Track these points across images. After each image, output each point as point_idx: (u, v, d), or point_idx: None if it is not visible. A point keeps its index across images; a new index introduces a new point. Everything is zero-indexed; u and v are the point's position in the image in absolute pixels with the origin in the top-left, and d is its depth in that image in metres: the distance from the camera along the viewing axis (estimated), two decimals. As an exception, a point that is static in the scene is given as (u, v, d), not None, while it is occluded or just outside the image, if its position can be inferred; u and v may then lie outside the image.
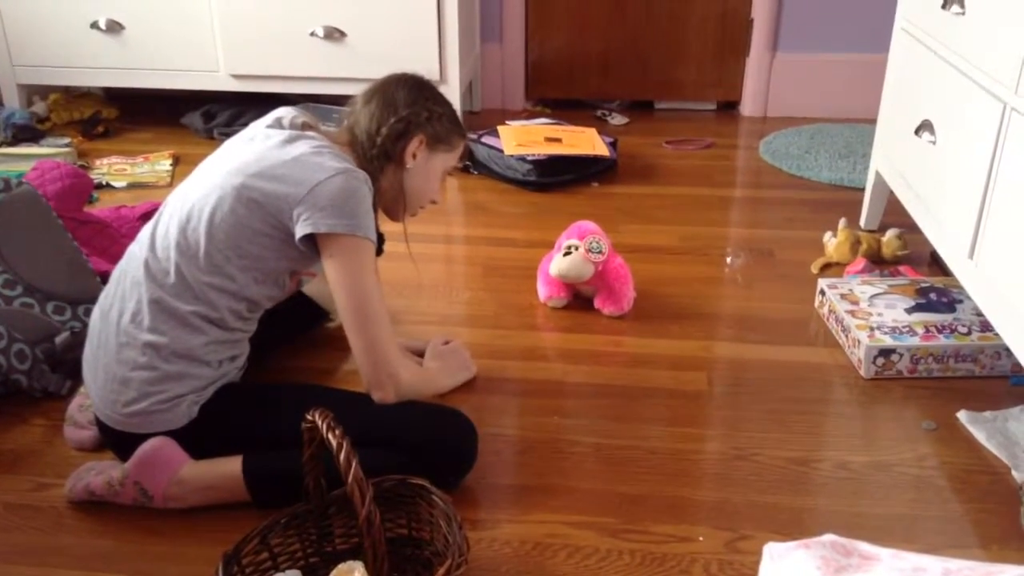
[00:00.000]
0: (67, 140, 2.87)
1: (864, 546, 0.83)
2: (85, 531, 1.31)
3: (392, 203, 1.51)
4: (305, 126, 1.45)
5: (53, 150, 2.70)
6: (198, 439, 1.34)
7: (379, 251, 1.46)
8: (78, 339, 1.64)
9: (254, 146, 1.39)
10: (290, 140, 1.38)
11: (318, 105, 2.94)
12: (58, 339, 1.63)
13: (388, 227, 1.56)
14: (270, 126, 1.44)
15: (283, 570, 1.15)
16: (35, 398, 1.60)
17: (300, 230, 1.32)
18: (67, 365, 1.64)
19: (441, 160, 1.51)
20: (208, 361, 1.34)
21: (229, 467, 1.31)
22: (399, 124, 1.43)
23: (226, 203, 1.33)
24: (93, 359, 1.37)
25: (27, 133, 2.86)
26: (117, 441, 1.37)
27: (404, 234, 1.59)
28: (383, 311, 1.39)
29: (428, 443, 1.33)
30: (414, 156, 1.46)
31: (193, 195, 1.36)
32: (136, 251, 1.38)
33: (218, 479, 1.31)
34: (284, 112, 1.47)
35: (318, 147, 1.38)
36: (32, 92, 3.09)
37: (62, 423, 1.53)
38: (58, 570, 1.24)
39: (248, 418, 1.37)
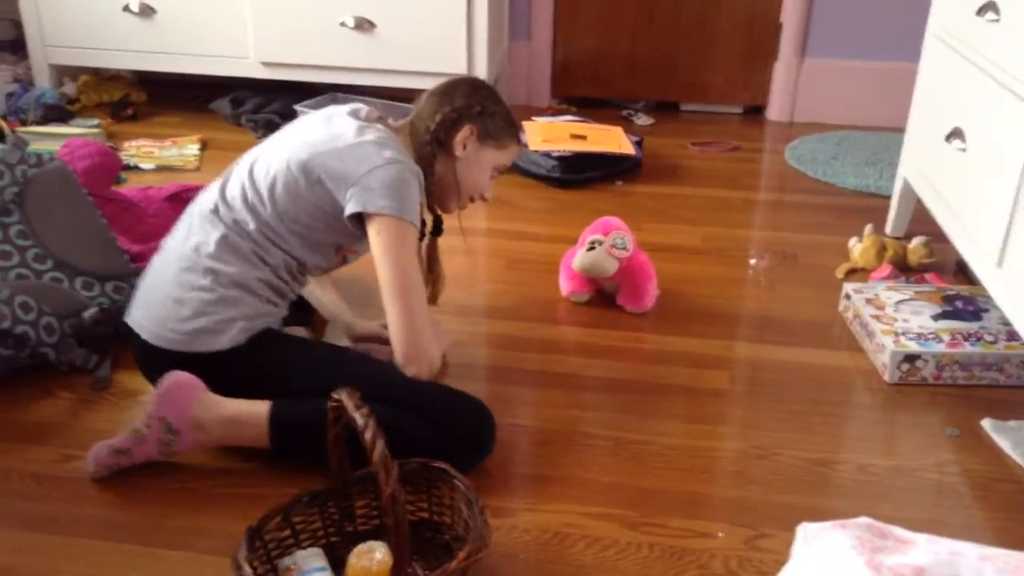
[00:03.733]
0: (96, 121, 2.89)
1: (899, 530, 0.83)
2: (108, 503, 1.32)
3: (444, 192, 1.58)
4: (377, 119, 1.54)
5: (82, 130, 2.72)
6: (236, 372, 1.40)
7: (438, 231, 1.64)
8: (106, 315, 1.66)
9: (329, 127, 1.48)
10: (360, 129, 1.47)
11: (373, 99, 2.95)
12: (86, 314, 1.65)
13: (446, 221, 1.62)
14: (348, 114, 1.52)
15: (304, 548, 1.15)
16: (62, 372, 1.61)
17: (350, 207, 1.41)
18: (94, 340, 1.66)
19: (491, 156, 1.58)
20: (260, 294, 1.43)
21: (257, 405, 1.36)
22: (452, 114, 1.52)
23: (291, 173, 1.43)
24: (146, 292, 1.46)
25: (57, 113, 2.88)
26: (159, 365, 1.41)
27: (459, 226, 1.70)
28: (421, 290, 1.46)
29: (449, 422, 1.36)
30: (464, 146, 1.53)
31: (264, 159, 1.47)
32: (206, 198, 1.48)
33: (243, 414, 1.36)
34: (361, 105, 1.57)
35: (382, 138, 1.46)
36: (63, 73, 3.11)
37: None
38: (82, 540, 1.25)
39: (289, 360, 1.43)
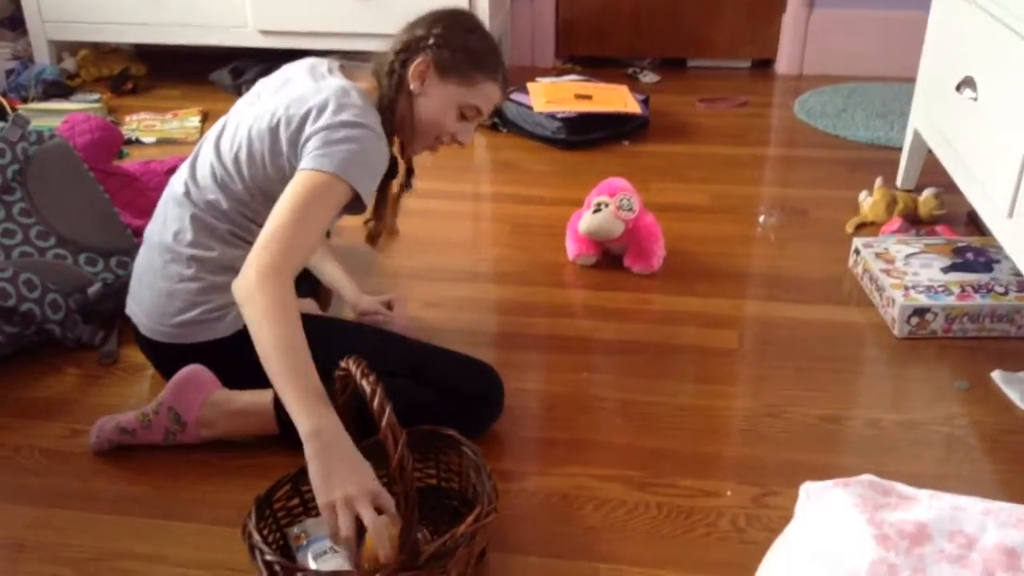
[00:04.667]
0: (97, 96, 2.87)
1: (901, 487, 0.82)
2: (118, 477, 1.33)
3: (407, 133, 1.45)
4: (339, 69, 1.45)
5: (83, 106, 2.71)
6: (240, 360, 1.33)
7: (408, 185, 1.52)
8: (110, 290, 1.66)
9: (288, 90, 1.39)
10: (318, 89, 1.36)
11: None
12: (91, 290, 1.65)
13: (425, 183, 1.54)
14: (307, 73, 1.43)
15: (314, 517, 1.16)
16: (68, 348, 1.62)
17: (302, 164, 1.29)
18: (99, 316, 1.66)
19: (454, 92, 1.41)
20: None
21: (262, 395, 1.35)
22: (409, 43, 1.39)
23: (254, 144, 1.35)
24: (138, 285, 1.43)
25: (57, 89, 2.87)
26: (162, 358, 1.41)
27: (408, 167, 1.54)
28: (308, 248, 1.27)
29: (457, 386, 1.35)
30: (422, 81, 1.39)
31: (228, 132, 1.40)
32: (178, 180, 1.43)
33: (250, 405, 1.35)
34: (317, 60, 1.47)
35: (343, 95, 1.34)
36: (62, 48, 3.09)
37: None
38: (92, 514, 1.26)
39: None
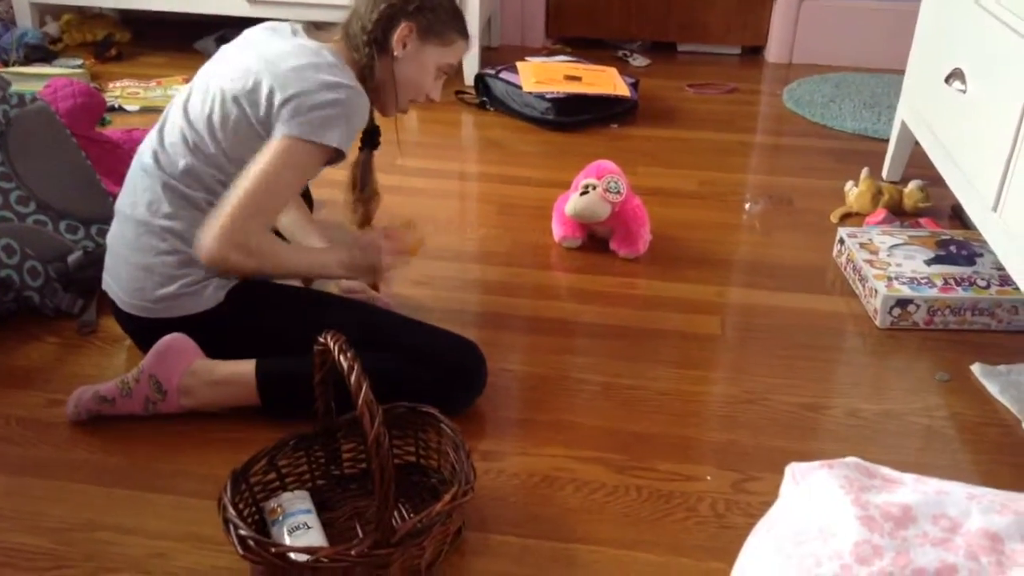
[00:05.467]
0: (80, 62, 2.83)
1: (886, 470, 0.83)
2: (97, 447, 1.32)
3: (383, 95, 1.47)
4: (303, 31, 1.44)
5: (66, 71, 2.67)
6: (222, 332, 1.37)
7: (373, 143, 1.57)
8: (90, 258, 1.64)
9: (260, 52, 1.37)
10: (294, 49, 1.36)
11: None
12: (71, 258, 1.63)
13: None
14: (276, 33, 1.43)
15: (290, 491, 1.15)
16: (47, 316, 1.60)
17: (278, 130, 1.31)
18: (79, 284, 1.64)
19: (435, 53, 1.46)
20: None
21: (243, 365, 1.34)
22: (389, 9, 1.40)
23: (228, 106, 1.33)
24: (113, 259, 1.41)
25: (39, 53, 2.82)
26: (142, 332, 1.40)
27: (396, 131, 1.61)
28: (274, 212, 1.37)
29: (439, 362, 1.35)
30: (404, 45, 1.42)
31: (197, 97, 1.37)
32: (145, 148, 1.41)
33: (231, 375, 1.34)
34: (281, 23, 1.46)
35: (315, 50, 1.36)
36: (45, 12, 3.04)
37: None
38: (71, 484, 1.25)
39: (271, 314, 1.40)
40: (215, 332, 1.37)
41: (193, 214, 1.34)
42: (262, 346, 1.36)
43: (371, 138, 1.57)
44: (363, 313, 1.44)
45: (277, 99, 1.31)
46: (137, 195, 1.38)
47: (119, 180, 1.89)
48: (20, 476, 1.26)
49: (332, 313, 1.41)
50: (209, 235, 1.29)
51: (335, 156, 1.37)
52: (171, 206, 1.35)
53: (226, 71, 1.37)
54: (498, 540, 1.17)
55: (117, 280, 1.40)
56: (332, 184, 1.68)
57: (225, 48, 1.46)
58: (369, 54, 1.41)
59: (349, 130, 1.34)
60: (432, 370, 1.34)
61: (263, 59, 1.35)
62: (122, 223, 1.40)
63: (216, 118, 1.34)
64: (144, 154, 1.40)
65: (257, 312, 1.40)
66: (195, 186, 1.35)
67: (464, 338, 1.41)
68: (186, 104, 1.38)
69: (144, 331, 1.40)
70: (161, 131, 1.39)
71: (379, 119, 1.56)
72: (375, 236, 1.49)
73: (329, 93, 1.31)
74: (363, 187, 1.60)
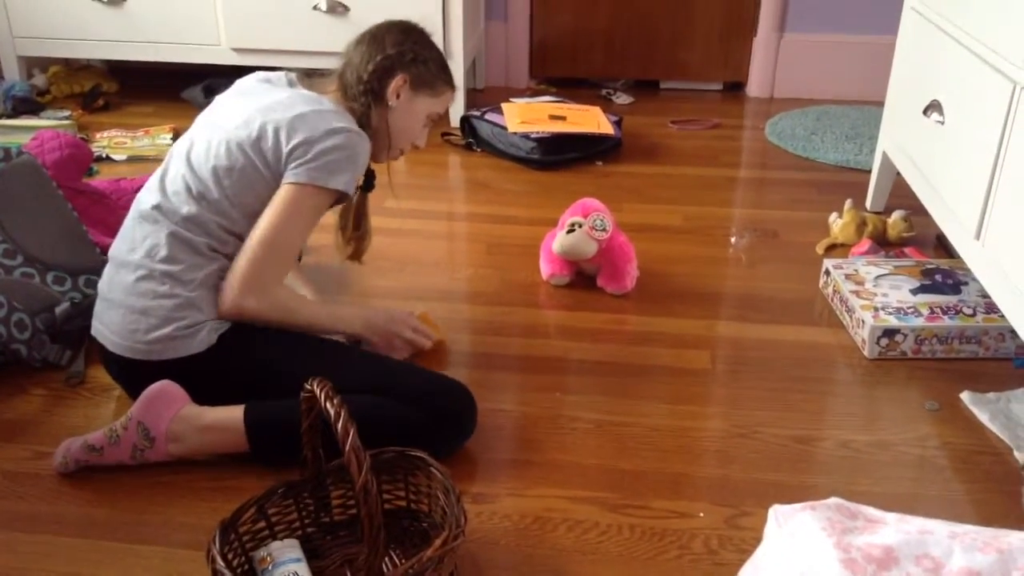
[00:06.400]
0: (67, 113, 2.85)
1: (869, 510, 0.83)
2: (84, 500, 1.30)
3: (377, 143, 1.53)
4: (298, 80, 1.52)
5: (53, 122, 2.68)
6: (213, 375, 1.37)
7: (369, 187, 1.62)
8: (78, 309, 1.64)
9: (262, 100, 1.44)
10: (293, 97, 1.44)
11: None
12: (58, 309, 1.62)
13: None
14: (262, 81, 1.50)
15: (280, 539, 1.14)
16: (35, 368, 1.59)
17: (288, 177, 1.38)
18: (67, 335, 1.63)
19: (425, 104, 1.55)
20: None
21: (232, 411, 1.34)
22: (385, 61, 1.48)
23: (235, 155, 1.39)
24: (106, 305, 1.42)
25: (27, 106, 2.84)
26: (131, 376, 1.40)
27: (388, 174, 1.68)
28: (289, 260, 1.45)
29: (430, 405, 1.34)
30: (397, 95, 1.50)
31: (200, 146, 1.42)
32: (146, 196, 1.44)
33: (219, 421, 1.33)
34: (276, 73, 1.54)
35: (313, 98, 1.45)
36: (32, 64, 3.06)
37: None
38: (57, 537, 1.23)
39: (263, 358, 1.40)
40: (206, 375, 1.37)
41: (194, 259, 1.37)
42: (253, 390, 1.36)
43: (367, 180, 1.61)
44: (353, 357, 1.44)
45: (285, 146, 1.37)
46: (135, 242, 1.40)
47: (107, 231, 1.91)
48: (7, 531, 1.24)
49: (323, 357, 1.41)
50: (229, 287, 1.37)
51: (340, 198, 1.44)
52: (172, 251, 1.37)
53: (228, 121, 1.42)
54: (491, 584, 1.16)
55: (109, 325, 1.40)
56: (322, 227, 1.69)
57: (220, 98, 1.51)
58: (365, 103, 1.48)
59: (355, 173, 1.42)
60: (422, 413, 1.33)
61: (267, 108, 1.41)
62: (118, 268, 1.41)
63: (222, 167, 1.38)
64: (144, 202, 1.42)
65: (248, 356, 1.40)
66: (198, 232, 1.38)
67: (455, 380, 1.41)
68: (188, 153, 1.42)
69: (134, 374, 1.39)
70: (162, 180, 1.43)
71: (380, 180, 1.63)
72: (407, 313, 1.60)
73: (335, 138, 1.38)
74: (356, 227, 1.63)
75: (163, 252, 1.37)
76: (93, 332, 1.45)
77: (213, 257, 1.39)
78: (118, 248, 1.43)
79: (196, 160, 1.40)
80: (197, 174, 1.39)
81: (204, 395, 1.35)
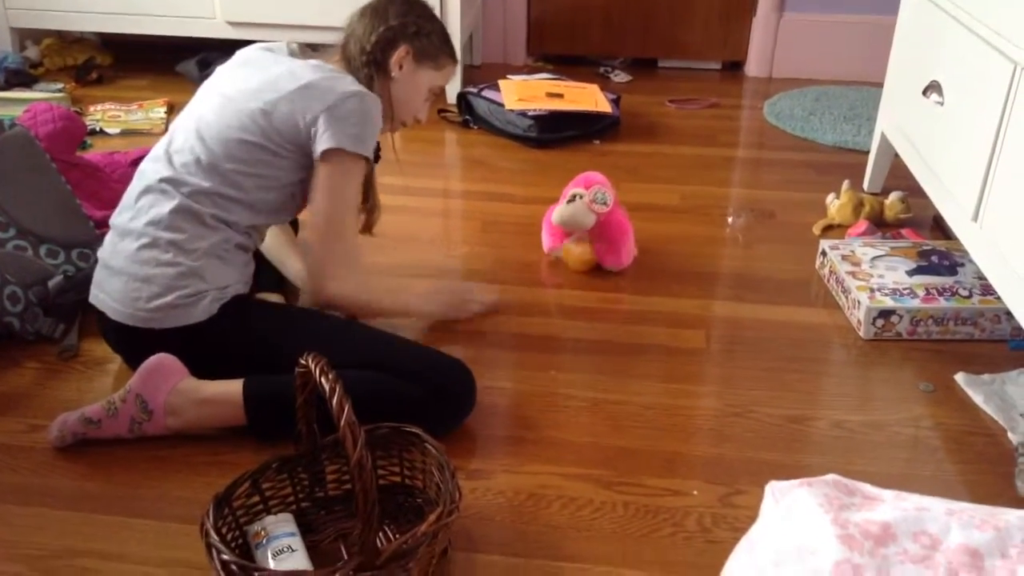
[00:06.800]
0: (60, 86, 2.82)
1: (867, 487, 0.83)
2: (77, 474, 1.30)
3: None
4: (300, 51, 1.53)
5: (46, 95, 2.66)
6: (212, 346, 1.37)
7: (376, 158, 1.58)
8: (71, 283, 1.63)
9: (270, 69, 1.44)
10: (304, 65, 1.44)
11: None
12: (51, 282, 1.61)
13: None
14: (282, 52, 1.50)
15: (274, 514, 1.14)
16: (28, 341, 1.58)
17: (320, 145, 1.39)
18: (60, 309, 1.62)
19: (427, 76, 1.56)
20: (225, 258, 1.40)
21: (230, 384, 1.33)
22: (388, 33, 1.49)
23: (246, 124, 1.39)
24: (108, 273, 1.41)
25: (20, 78, 2.81)
26: (131, 344, 1.40)
27: (394, 151, 1.69)
28: (354, 224, 1.51)
29: (429, 382, 1.34)
30: (400, 67, 1.51)
31: (209, 116, 1.42)
32: (151, 167, 1.43)
33: (218, 394, 1.33)
34: (280, 43, 1.54)
35: (319, 66, 1.45)
36: (25, 36, 3.03)
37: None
38: (50, 511, 1.23)
39: (263, 330, 1.41)
40: (207, 346, 1.37)
41: (199, 229, 1.38)
42: (253, 363, 1.35)
43: (374, 152, 1.60)
44: (354, 332, 1.44)
45: (301, 120, 1.38)
46: (140, 211, 1.39)
47: (100, 204, 1.89)
48: (1, 503, 1.24)
49: (323, 332, 1.41)
50: (315, 278, 1.47)
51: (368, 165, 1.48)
52: (177, 221, 1.37)
53: (237, 92, 1.42)
54: (485, 560, 1.16)
55: (111, 292, 1.39)
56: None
57: (223, 69, 1.51)
58: (368, 74, 1.49)
59: (372, 135, 1.44)
60: (421, 390, 1.33)
61: (276, 78, 1.41)
62: (122, 236, 1.41)
63: (233, 138, 1.39)
64: (150, 173, 1.42)
65: (249, 328, 1.40)
66: (205, 203, 1.38)
67: (454, 359, 1.40)
68: (198, 125, 1.41)
69: (134, 343, 1.39)
70: (168, 150, 1.42)
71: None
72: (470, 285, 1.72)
73: (353, 100, 1.40)
74: (366, 199, 1.60)
75: (168, 221, 1.37)
76: (92, 300, 1.44)
77: (217, 227, 1.39)
78: (121, 217, 1.43)
79: (206, 131, 1.40)
80: (207, 145, 1.39)
81: (204, 367, 1.35)
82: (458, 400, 1.37)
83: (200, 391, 1.33)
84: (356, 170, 1.44)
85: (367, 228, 1.65)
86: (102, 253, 1.44)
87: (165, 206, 1.37)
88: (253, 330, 1.40)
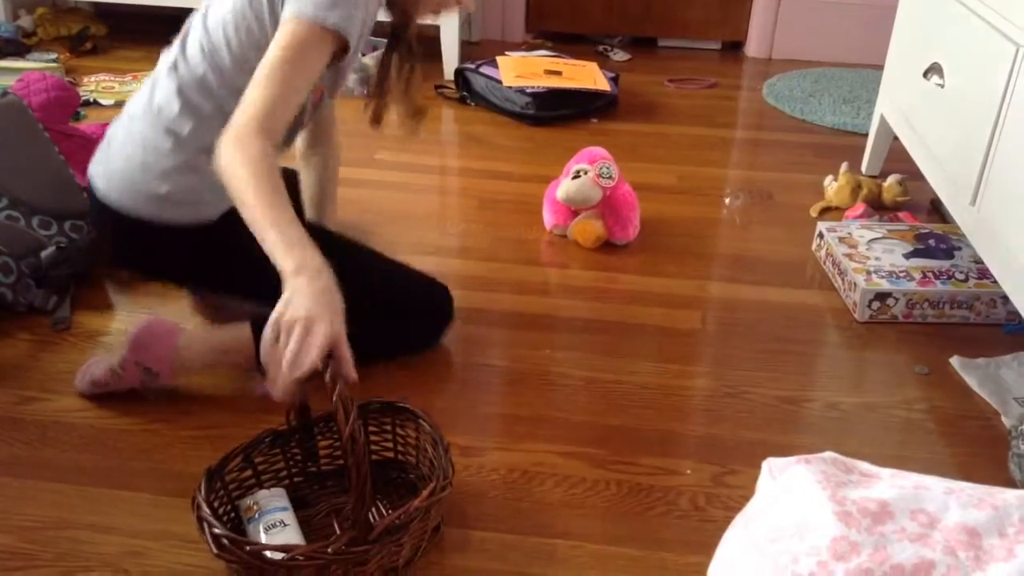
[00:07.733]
0: (54, 56, 2.79)
1: (864, 465, 0.82)
2: (69, 445, 1.30)
3: None
4: None
5: (40, 65, 2.63)
6: (204, 253, 1.35)
7: (398, 41, 1.43)
8: (64, 254, 1.62)
9: None
10: None
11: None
12: (44, 253, 1.60)
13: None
14: None
15: (267, 488, 1.14)
16: (20, 313, 1.57)
17: (284, 11, 1.21)
18: (53, 280, 1.61)
19: None
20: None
21: (237, 330, 1.34)
22: None
23: (242, 13, 1.30)
24: (109, 158, 1.39)
25: (12, 47, 2.78)
26: (120, 233, 1.38)
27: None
28: (293, 103, 1.20)
29: (404, 294, 1.37)
30: None
31: (216, 8, 1.35)
32: (166, 56, 1.40)
33: (225, 341, 1.34)
34: None
35: None
36: (18, 5, 3.00)
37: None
38: (42, 483, 1.23)
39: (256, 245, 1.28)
40: (197, 251, 1.35)
41: (198, 123, 1.33)
42: (240, 279, 1.30)
43: (397, 35, 1.44)
44: (338, 247, 1.32)
45: None
46: (149, 97, 1.37)
47: (93, 175, 1.88)
48: (-9, 475, 1.24)
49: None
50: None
51: (339, 49, 1.25)
52: (180, 112, 1.33)
53: None
54: (478, 536, 1.16)
55: (110, 177, 1.37)
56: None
57: None
58: None
59: (353, 13, 1.22)
60: (399, 308, 1.34)
61: None
62: (130, 119, 1.38)
63: (230, 19, 1.31)
64: (164, 60, 1.39)
65: (245, 240, 1.20)
66: (207, 95, 1.33)
67: (432, 277, 1.43)
68: (207, 13, 1.36)
69: (123, 232, 1.37)
70: (184, 42, 1.38)
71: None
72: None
73: None
74: (379, 85, 1.49)
75: (173, 109, 1.33)
76: (89, 176, 1.41)
77: (217, 128, 1.21)
78: (133, 103, 1.40)
79: (211, 21, 1.34)
80: (210, 36, 1.34)
81: (190, 274, 1.35)
82: (434, 313, 1.40)
83: (206, 342, 1.34)
84: (314, 45, 1.19)
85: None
86: (109, 133, 1.42)
87: (173, 93, 1.34)
88: (244, 245, 1.18)
